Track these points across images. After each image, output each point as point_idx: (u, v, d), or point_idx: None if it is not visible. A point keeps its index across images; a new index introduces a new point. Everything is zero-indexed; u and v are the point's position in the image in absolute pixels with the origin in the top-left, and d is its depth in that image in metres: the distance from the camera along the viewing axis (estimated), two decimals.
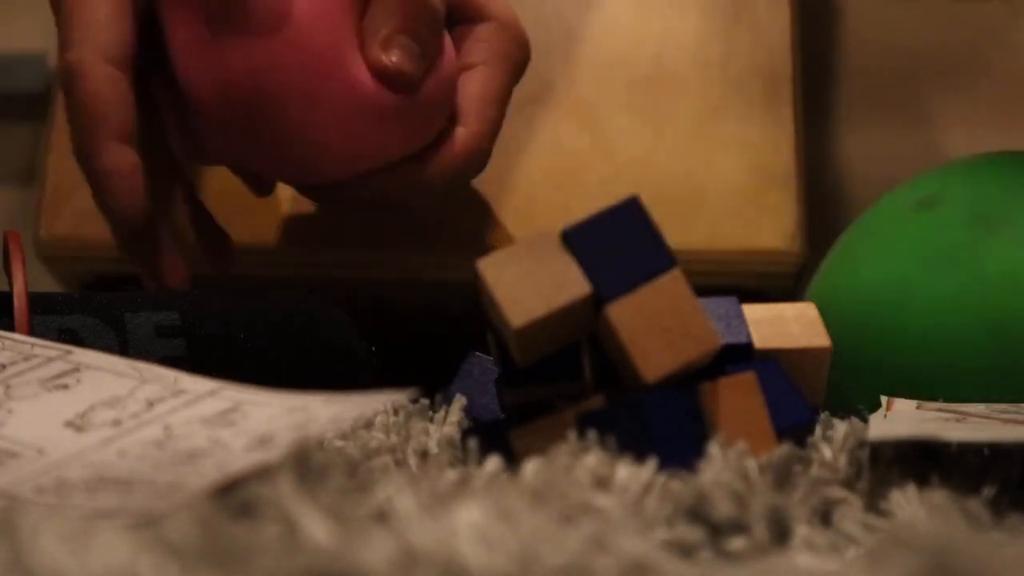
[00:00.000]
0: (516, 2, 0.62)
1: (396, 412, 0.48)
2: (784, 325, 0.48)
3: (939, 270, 0.56)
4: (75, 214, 0.68)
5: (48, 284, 0.70)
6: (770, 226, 0.68)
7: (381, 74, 0.55)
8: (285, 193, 0.66)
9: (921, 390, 0.53)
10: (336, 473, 0.36)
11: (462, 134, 0.59)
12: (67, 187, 0.68)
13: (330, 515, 0.31)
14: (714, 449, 0.38)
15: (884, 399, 0.49)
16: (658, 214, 0.67)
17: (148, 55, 0.56)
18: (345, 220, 0.66)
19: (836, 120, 0.87)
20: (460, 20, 0.60)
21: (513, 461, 0.40)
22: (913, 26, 0.86)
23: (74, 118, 0.54)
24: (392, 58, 0.55)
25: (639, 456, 0.37)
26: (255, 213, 0.66)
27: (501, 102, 0.60)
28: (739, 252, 0.67)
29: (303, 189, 0.60)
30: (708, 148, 0.69)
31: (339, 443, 0.44)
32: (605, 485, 0.36)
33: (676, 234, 0.66)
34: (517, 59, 0.61)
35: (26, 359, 0.44)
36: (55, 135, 0.70)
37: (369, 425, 0.46)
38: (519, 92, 0.62)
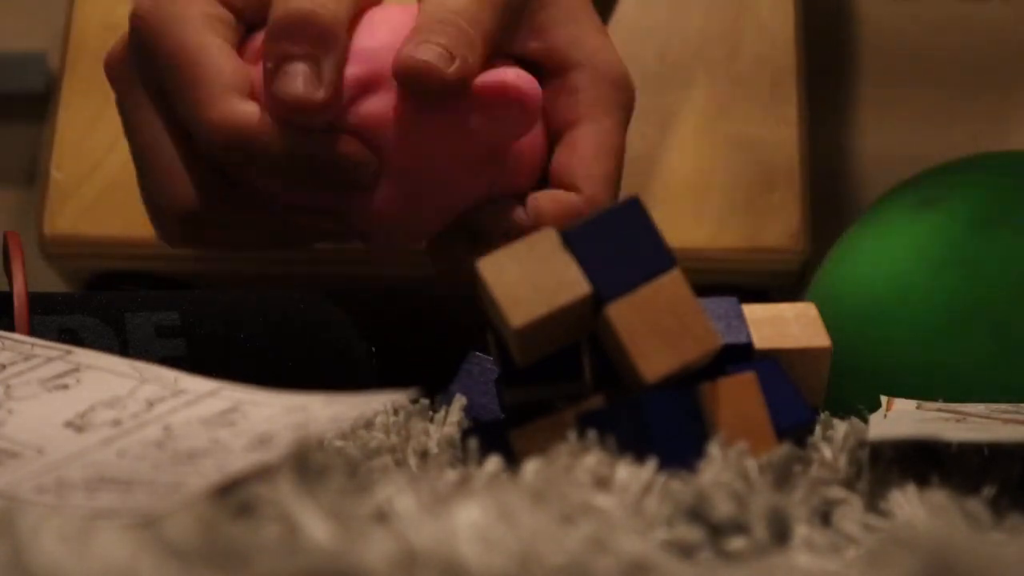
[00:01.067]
0: None
1: (396, 412, 0.48)
2: (784, 325, 0.48)
3: (940, 269, 0.56)
4: (78, 211, 0.68)
5: (49, 283, 0.70)
6: (774, 224, 0.68)
7: (408, 70, 0.49)
8: None
9: (921, 390, 0.53)
10: (336, 473, 0.36)
11: (575, 203, 0.53)
12: (70, 184, 0.68)
13: (330, 515, 0.31)
14: (714, 449, 0.38)
15: (884, 399, 0.49)
16: (662, 212, 0.67)
17: None
18: None
19: (841, 118, 0.87)
20: (548, 75, 0.54)
21: (513, 461, 0.40)
22: (917, 24, 0.86)
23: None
24: (421, 55, 0.49)
25: (639, 456, 0.37)
26: None
27: (616, 155, 0.53)
28: (743, 250, 0.67)
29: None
30: (712, 146, 0.69)
31: (339, 443, 0.44)
32: (605, 485, 0.36)
33: (680, 232, 0.66)
34: (621, 102, 0.54)
35: (26, 359, 0.44)
36: (56, 134, 0.70)
37: (369, 425, 0.46)
38: None
